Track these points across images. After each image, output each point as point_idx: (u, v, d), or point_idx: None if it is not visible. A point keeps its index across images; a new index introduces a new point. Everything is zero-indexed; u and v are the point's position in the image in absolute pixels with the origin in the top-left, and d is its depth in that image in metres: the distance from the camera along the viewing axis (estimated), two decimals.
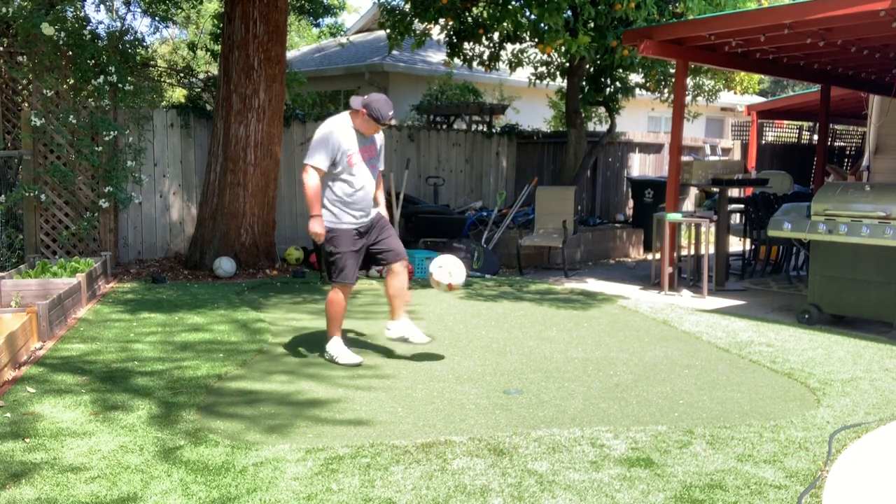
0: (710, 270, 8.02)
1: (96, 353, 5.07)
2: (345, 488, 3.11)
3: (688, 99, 11.54)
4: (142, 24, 46.08)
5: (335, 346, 5.07)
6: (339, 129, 4.84)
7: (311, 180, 4.81)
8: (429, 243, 9.58)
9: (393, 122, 4.84)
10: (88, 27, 8.54)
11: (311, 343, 5.55)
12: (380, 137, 5.08)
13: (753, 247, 9.20)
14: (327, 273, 5.14)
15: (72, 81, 8.11)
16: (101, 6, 10.35)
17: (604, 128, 12.76)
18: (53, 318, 5.55)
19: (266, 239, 8.89)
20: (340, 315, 5.07)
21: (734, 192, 11.46)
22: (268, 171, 8.72)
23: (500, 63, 10.78)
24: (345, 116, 4.93)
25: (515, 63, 10.83)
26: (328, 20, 17.00)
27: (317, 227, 4.82)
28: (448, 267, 5.04)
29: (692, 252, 8.46)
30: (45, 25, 7.59)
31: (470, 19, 10.01)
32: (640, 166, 13.11)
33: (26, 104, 8.45)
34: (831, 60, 8.98)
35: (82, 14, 8.62)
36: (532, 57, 11.29)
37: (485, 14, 9.45)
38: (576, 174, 10.84)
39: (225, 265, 8.30)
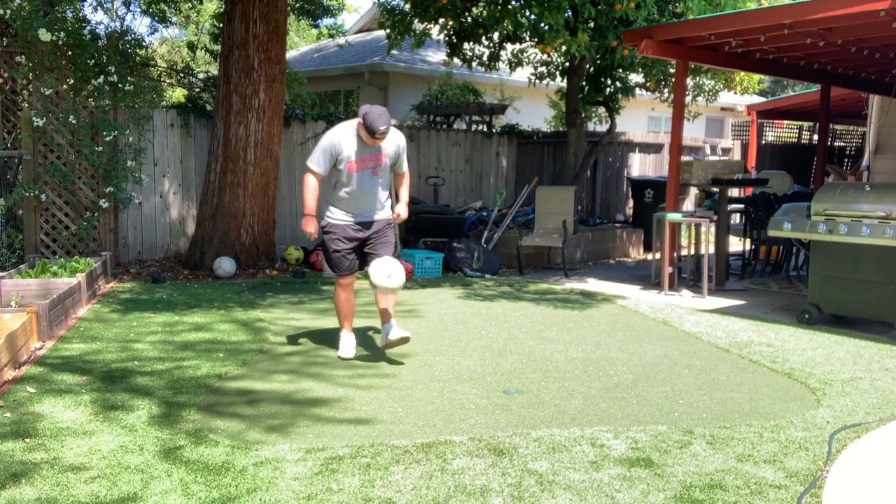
0: (710, 270, 8.02)
1: (96, 353, 5.07)
2: (345, 488, 3.11)
3: (688, 99, 11.54)
4: (141, 24, 46.14)
5: (340, 337, 5.28)
6: (341, 135, 4.93)
7: (307, 181, 5.01)
8: (429, 243, 9.58)
9: (387, 132, 4.84)
10: (88, 27, 8.53)
11: (312, 343, 5.56)
12: (392, 144, 5.05)
13: (753, 247, 9.20)
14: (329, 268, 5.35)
15: (72, 81, 8.10)
16: (99, 8, 10.35)
17: (604, 128, 12.77)
18: (53, 317, 5.55)
19: (266, 239, 8.89)
20: (344, 308, 5.24)
21: (734, 192, 11.47)
22: (268, 171, 8.72)
23: (500, 63, 10.77)
24: (353, 122, 4.99)
25: (515, 63, 10.83)
26: (327, 21, 17.00)
27: (307, 227, 5.00)
28: (386, 269, 4.94)
29: (692, 252, 8.46)
30: (42, 31, 7.58)
31: (470, 19, 10.01)
32: (640, 166, 13.11)
33: (26, 104, 8.45)
34: (831, 60, 8.98)
35: (81, 14, 8.61)
36: (532, 57, 11.29)
37: (485, 14, 9.45)
38: (576, 174, 10.84)
39: (225, 265, 8.30)
